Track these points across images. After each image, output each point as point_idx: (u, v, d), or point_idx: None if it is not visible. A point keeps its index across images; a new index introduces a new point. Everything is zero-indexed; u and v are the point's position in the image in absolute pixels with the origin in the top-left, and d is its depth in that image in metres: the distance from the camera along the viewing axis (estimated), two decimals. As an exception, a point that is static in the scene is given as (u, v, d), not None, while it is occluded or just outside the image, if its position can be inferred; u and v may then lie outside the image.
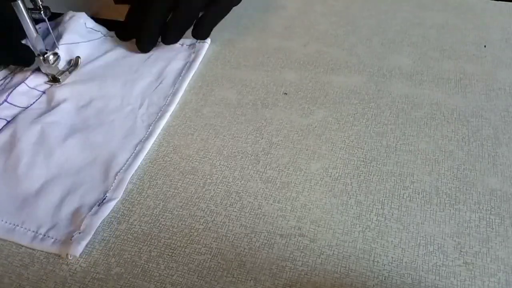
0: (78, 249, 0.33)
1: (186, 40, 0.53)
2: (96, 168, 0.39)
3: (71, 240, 0.33)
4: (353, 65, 0.49)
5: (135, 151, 0.40)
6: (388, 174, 0.38)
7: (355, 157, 0.39)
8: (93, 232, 0.34)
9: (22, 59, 0.46)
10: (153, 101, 0.45)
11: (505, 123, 0.42)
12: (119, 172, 0.38)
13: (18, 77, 0.48)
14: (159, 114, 0.44)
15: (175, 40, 0.51)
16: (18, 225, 0.35)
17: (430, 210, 0.35)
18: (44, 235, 0.34)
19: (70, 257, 0.33)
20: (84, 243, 0.33)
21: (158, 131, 0.42)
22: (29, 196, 0.37)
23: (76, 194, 0.37)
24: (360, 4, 0.59)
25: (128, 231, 0.35)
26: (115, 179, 0.38)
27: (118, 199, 0.37)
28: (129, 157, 0.40)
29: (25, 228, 0.35)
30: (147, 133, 0.42)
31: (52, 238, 0.34)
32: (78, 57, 0.49)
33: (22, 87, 0.46)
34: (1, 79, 0.48)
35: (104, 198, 0.36)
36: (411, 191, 0.36)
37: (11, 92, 0.45)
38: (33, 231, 0.35)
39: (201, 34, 0.51)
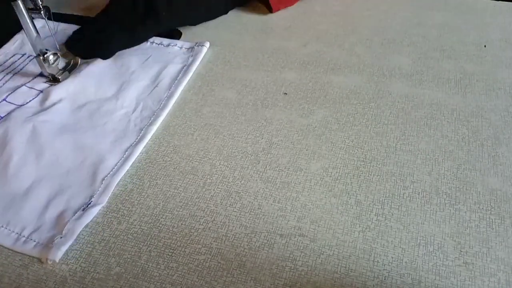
0: (57, 254, 0.33)
1: (185, 43, 0.53)
2: (84, 171, 0.39)
3: (52, 244, 0.33)
4: (353, 65, 0.49)
5: (124, 156, 0.40)
6: (388, 174, 0.38)
7: (355, 157, 0.39)
8: (74, 237, 0.34)
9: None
10: (148, 104, 0.45)
11: (505, 123, 0.42)
12: (106, 176, 0.38)
13: (18, 79, 0.48)
14: (151, 118, 0.43)
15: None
16: (2, 226, 0.35)
17: (430, 210, 0.35)
18: (27, 238, 0.34)
19: (49, 261, 0.33)
20: (64, 248, 0.33)
21: (149, 136, 0.42)
22: (17, 196, 0.37)
23: (63, 196, 0.37)
24: (360, 4, 0.59)
25: (128, 231, 0.35)
26: (102, 183, 0.38)
27: (103, 204, 0.36)
28: (118, 162, 0.39)
29: (9, 230, 0.35)
30: (138, 137, 0.42)
31: (34, 241, 0.34)
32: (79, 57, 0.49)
33: (22, 89, 0.46)
34: (1, 80, 0.48)
35: (89, 203, 0.36)
36: (411, 191, 0.36)
37: (11, 93, 0.46)
38: (17, 233, 0.35)
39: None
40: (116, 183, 0.38)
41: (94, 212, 0.35)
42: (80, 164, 0.39)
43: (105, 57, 0.49)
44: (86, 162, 0.39)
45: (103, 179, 0.38)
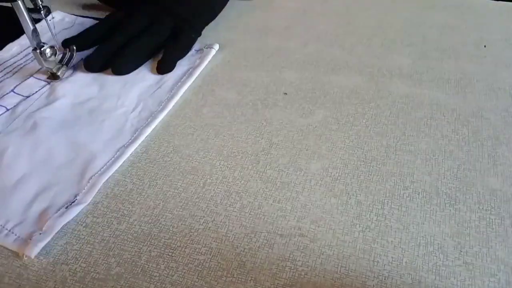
0: (34, 250, 0.32)
1: (195, 45, 0.52)
2: (74, 169, 0.38)
3: (30, 240, 0.33)
4: (353, 65, 0.49)
5: (115, 156, 0.40)
6: (388, 174, 0.38)
7: (355, 157, 0.39)
8: (53, 235, 0.34)
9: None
10: (148, 105, 0.45)
11: (505, 123, 0.42)
12: (94, 175, 0.38)
13: (24, 70, 0.49)
14: (149, 120, 0.43)
15: (125, 72, 0.49)
16: None
17: (430, 210, 0.35)
18: (9, 231, 0.34)
19: (25, 257, 0.33)
20: (41, 244, 0.33)
21: (143, 137, 0.41)
22: (6, 189, 0.37)
23: (50, 192, 0.37)
24: (360, 4, 0.59)
25: (128, 231, 0.35)
26: (89, 182, 0.37)
27: (87, 203, 0.36)
28: (108, 161, 0.39)
29: None
30: (132, 138, 0.41)
31: (15, 235, 0.34)
32: (73, 47, 0.49)
33: (30, 80, 0.47)
34: (8, 68, 0.49)
35: (74, 201, 0.36)
36: (411, 191, 0.36)
37: (19, 84, 0.46)
38: (1, 225, 0.34)
39: (165, 69, 0.49)
40: (102, 183, 0.37)
41: (77, 210, 0.35)
42: (71, 162, 0.39)
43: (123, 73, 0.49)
44: (77, 159, 0.39)
45: (90, 178, 0.38)
